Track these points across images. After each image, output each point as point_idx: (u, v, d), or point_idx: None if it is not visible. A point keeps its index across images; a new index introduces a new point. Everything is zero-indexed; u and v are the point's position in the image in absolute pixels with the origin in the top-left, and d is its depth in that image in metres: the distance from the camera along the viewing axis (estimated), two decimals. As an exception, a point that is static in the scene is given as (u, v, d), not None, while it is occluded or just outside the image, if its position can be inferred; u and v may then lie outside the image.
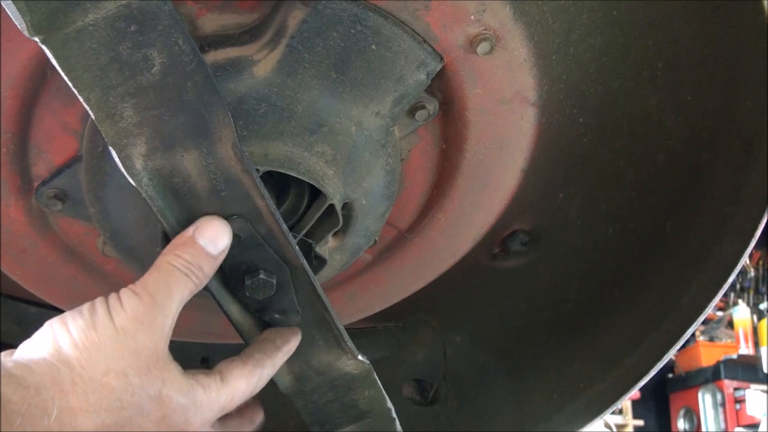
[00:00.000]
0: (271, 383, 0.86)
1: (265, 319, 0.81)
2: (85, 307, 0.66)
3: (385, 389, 0.92)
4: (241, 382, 0.74)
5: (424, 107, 0.90)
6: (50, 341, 0.63)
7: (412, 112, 0.90)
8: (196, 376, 0.70)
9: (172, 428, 0.67)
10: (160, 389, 0.65)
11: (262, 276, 0.76)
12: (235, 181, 0.70)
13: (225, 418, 0.78)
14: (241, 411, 0.82)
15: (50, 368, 0.60)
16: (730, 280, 0.92)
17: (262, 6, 0.80)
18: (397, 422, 0.94)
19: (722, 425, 6.19)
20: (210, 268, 0.72)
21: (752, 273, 6.58)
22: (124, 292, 0.67)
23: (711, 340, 6.83)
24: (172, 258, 0.70)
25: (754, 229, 0.89)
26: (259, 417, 0.85)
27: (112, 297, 0.67)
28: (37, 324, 0.66)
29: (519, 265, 1.15)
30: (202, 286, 0.72)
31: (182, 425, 0.68)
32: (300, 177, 0.80)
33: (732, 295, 6.61)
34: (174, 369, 0.68)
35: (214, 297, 0.78)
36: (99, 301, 0.66)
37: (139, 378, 0.64)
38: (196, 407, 0.69)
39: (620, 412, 6.00)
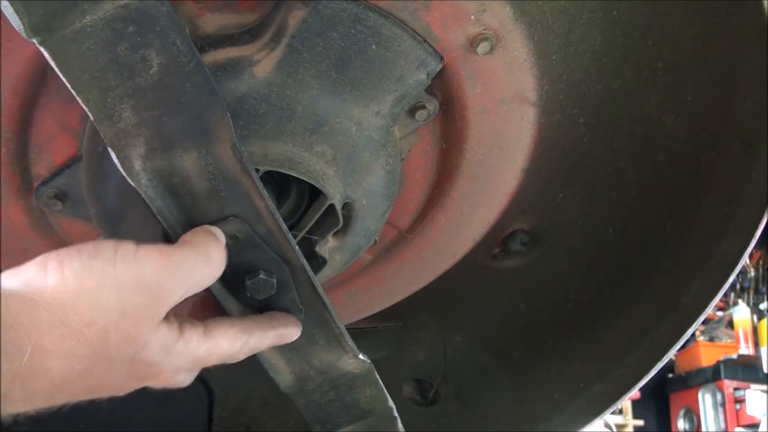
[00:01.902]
0: (272, 382, 0.86)
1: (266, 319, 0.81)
2: (87, 249, 0.61)
3: (385, 388, 0.92)
4: (224, 340, 0.70)
5: (424, 107, 0.90)
6: (39, 277, 0.59)
7: (412, 112, 0.90)
8: (182, 325, 0.67)
9: (140, 380, 0.65)
10: (137, 352, 0.62)
11: (262, 276, 0.76)
12: (235, 182, 0.70)
13: None
14: None
15: (30, 307, 0.57)
16: (730, 280, 0.92)
17: (263, 6, 0.80)
18: (399, 421, 0.94)
19: (722, 425, 6.18)
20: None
21: (752, 273, 6.58)
22: (145, 246, 0.64)
23: (711, 340, 6.82)
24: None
25: (754, 229, 0.89)
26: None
27: (126, 246, 0.63)
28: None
29: (519, 265, 1.15)
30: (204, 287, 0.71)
31: (152, 376, 0.66)
32: (300, 177, 0.80)
33: (732, 295, 6.61)
34: (162, 329, 0.64)
35: (215, 297, 0.78)
36: (104, 245, 0.62)
37: (119, 338, 0.60)
38: (171, 356, 0.66)
39: (620, 412, 6.00)
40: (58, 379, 0.58)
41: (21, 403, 0.58)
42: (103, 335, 0.60)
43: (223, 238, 0.71)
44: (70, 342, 0.58)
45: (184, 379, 0.71)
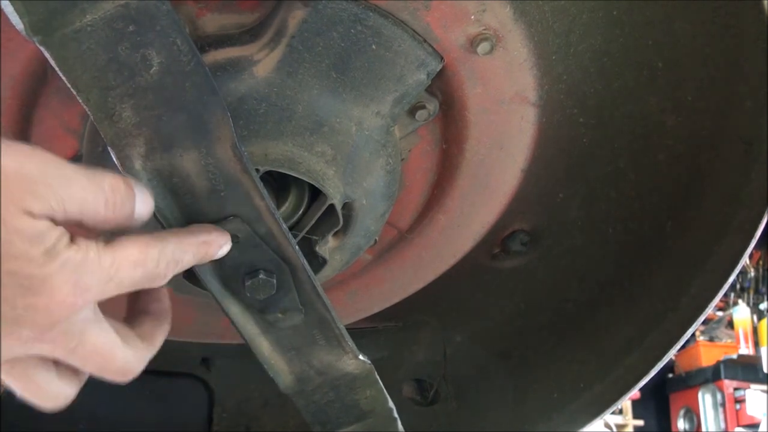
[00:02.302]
0: (272, 383, 0.86)
1: (267, 319, 0.81)
2: None
3: (385, 389, 0.92)
4: (132, 248, 0.60)
5: (424, 107, 0.90)
6: None
7: (412, 112, 0.90)
8: (75, 237, 0.57)
9: (22, 288, 0.54)
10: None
11: (261, 276, 0.75)
12: (235, 181, 0.70)
13: (132, 318, 0.68)
14: (148, 309, 0.70)
15: None
16: (730, 280, 0.92)
17: (263, 6, 0.80)
18: (399, 422, 0.94)
19: (722, 425, 6.19)
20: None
21: (752, 273, 6.58)
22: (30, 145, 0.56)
23: (711, 340, 6.83)
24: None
25: (754, 229, 0.89)
26: (168, 316, 0.72)
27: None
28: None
29: (519, 265, 1.15)
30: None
31: (37, 284, 0.54)
32: (300, 177, 0.80)
33: (732, 295, 6.61)
34: (34, 222, 0.54)
35: (215, 297, 0.78)
36: None
37: None
38: (63, 266, 0.55)
39: (620, 412, 6.00)
40: None
41: None
42: None
43: (141, 192, 0.63)
44: None
45: (93, 296, 0.58)
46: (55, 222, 0.56)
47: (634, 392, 1.02)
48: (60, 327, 0.57)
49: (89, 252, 0.57)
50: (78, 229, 0.58)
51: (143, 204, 0.63)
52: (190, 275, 0.79)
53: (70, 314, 0.57)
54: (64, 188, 0.56)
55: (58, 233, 0.55)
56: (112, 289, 0.59)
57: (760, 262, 6.54)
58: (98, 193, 0.59)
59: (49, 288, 0.55)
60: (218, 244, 0.71)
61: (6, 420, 1.13)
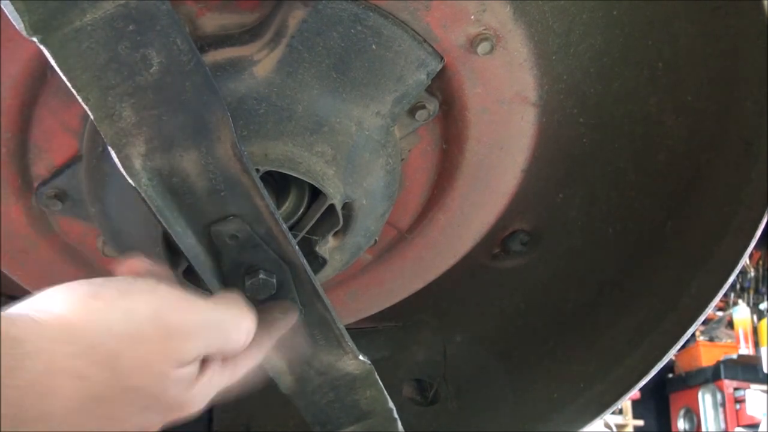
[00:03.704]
0: (273, 383, 0.86)
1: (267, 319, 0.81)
2: (100, 278, 0.60)
3: (385, 389, 0.91)
4: (247, 364, 0.70)
5: (424, 107, 0.90)
6: (46, 300, 0.56)
7: (412, 112, 0.90)
8: (204, 362, 0.64)
9: (165, 414, 0.62)
10: (157, 385, 0.60)
11: (261, 276, 0.75)
12: (235, 181, 0.70)
13: None
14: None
15: (36, 323, 0.54)
16: (730, 280, 0.92)
17: (263, 6, 0.80)
18: (399, 422, 0.94)
19: (722, 425, 6.18)
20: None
21: (752, 273, 6.57)
22: (168, 285, 0.63)
23: (711, 340, 6.82)
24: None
25: (754, 229, 0.89)
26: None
27: (147, 279, 0.62)
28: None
29: (519, 265, 1.15)
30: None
31: (177, 410, 0.63)
32: (300, 177, 0.80)
33: (732, 295, 6.60)
34: (184, 368, 0.61)
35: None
36: (122, 276, 0.63)
37: (132, 365, 0.57)
38: (195, 392, 0.63)
39: (620, 412, 5.99)
40: (73, 401, 0.54)
41: (35, 423, 0.54)
42: (114, 358, 0.56)
43: (254, 314, 0.69)
44: (79, 361, 0.55)
45: (206, 404, 0.68)
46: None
47: (634, 392, 1.02)
48: None
49: (214, 377, 0.65)
50: None
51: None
52: (190, 275, 0.79)
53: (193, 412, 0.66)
54: (207, 330, 0.63)
55: (196, 369, 0.63)
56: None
57: (760, 262, 6.53)
58: (239, 332, 0.67)
59: (183, 408, 0.64)
60: (292, 322, 0.78)
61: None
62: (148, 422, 0.62)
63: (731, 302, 6.64)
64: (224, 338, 0.65)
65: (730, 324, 6.69)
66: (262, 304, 0.78)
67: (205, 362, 0.64)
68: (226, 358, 0.67)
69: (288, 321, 0.77)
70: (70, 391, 0.54)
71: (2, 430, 0.50)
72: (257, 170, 0.74)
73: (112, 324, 0.57)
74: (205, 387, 0.64)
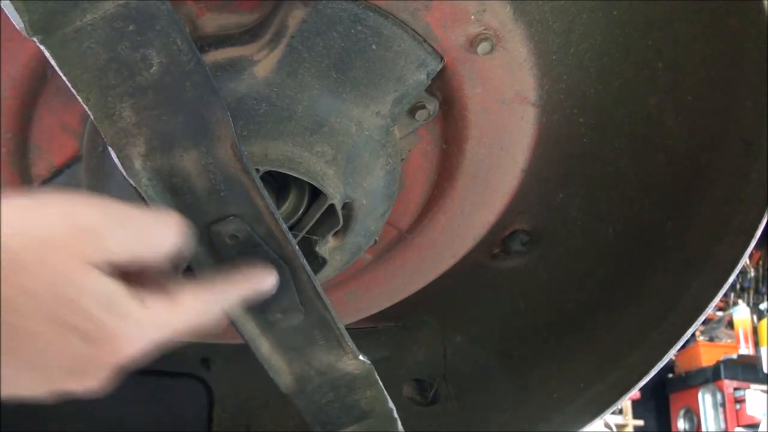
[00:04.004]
0: (272, 383, 0.86)
1: (267, 319, 0.81)
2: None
3: (385, 389, 0.91)
4: (195, 304, 0.63)
5: (424, 107, 0.90)
6: None
7: (412, 112, 0.90)
8: (143, 295, 0.58)
9: (81, 335, 0.54)
10: (64, 290, 0.53)
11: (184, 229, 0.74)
12: (235, 181, 0.70)
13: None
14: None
15: None
16: (730, 280, 0.92)
17: (262, 6, 0.80)
18: (399, 422, 0.94)
19: (722, 425, 6.18)
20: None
21: (752, 273, 6.57)
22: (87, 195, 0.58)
23: (711, 340, 6.82)
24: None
25: (754, 229, 0.89)
26: None
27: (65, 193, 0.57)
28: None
29: (519, 265, 1.15)
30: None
31: (102, 338, 0.55)
32: (300, 177, 0.80)
33: (732, 295, 6.60)
34: (100, 278, 0.55)
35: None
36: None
37: (37, 265, 0.52)
38: (131, 324, 0.56)
39: (620, 412, 5.99)
40: None
41: None
42: (16, 255, 0.51)
43: (182, 225, 0.63)
44: None
45: (147, 349, 0.60)
46: (115, 271, 0.56)
47: (634, 392, 1.02)
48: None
49: (151, 309, 0.58)
50: (137, 278, 0.59)
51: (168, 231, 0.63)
52: (190, 275, 0.79)
53: (128, 365, 0.58)
54: (127, 233, 0.58)
55: (120, 289, 0.56)
56: (170, 337, 0.61)
57: (760, 262, 6.53)
58: (165, 235, 0.61)
59: (108, 342, 0.55)
60: (268, 284, 0.73)
61: (6, 420, 1.13)
62: (70, 345, 0.54)
63: (731, 302, 6.64)
64: (139, 239, 0.59)
65: (730, 324, 6.69)
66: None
67: (135, 284, 0.58)
68: (162, 286, 0.60)
69: (261, 280, 0.72)
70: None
71: None
72: (257, 170, 0.74)
73: (16, 220, 0.53)
74: (137, 312, 0.57)
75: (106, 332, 0.55)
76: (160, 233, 0.61)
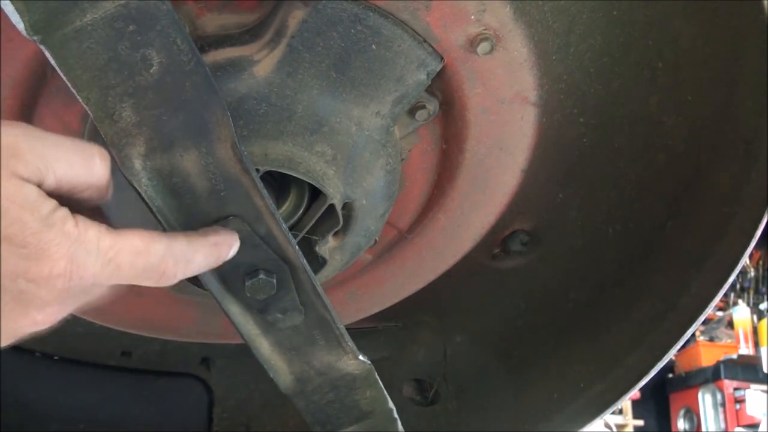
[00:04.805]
0: (273, 383, 0.86)
1: (267, 319, 0.81)
2: None
3: (385, 389, 0.91)
4: (135, 239, 0.59)
5: (424, 107, 0.90)
6: None
7: (412, 112, 0.90)
8: (77, 216, 0.56)
9: (18, 248, 0.53)
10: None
11: (261, 276, 0.75)
12: (235, 181, 0.70)
13: None
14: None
15: None
16: (730, 280, 0.92)
17: (262, 6, 0.80)
18: (399, 422, 0.94)
19: (722, 425, 6.18)
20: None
21: (752, 273, 6.58)
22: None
23: (711, 340, 6.82)
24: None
25: (754, 229, 0.89)
26: None
27: None
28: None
29: (519, 265, 1.15)
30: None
31: (37, 252, 0.53)
32: (300, 177, 0.80)
33: (732, 295, 6.61)
34: (29, 188, 0.54)
35: (215, 297, 0.78)
36: None
37: None
38: (62, 237, 0.54)
39: (620, 412, 6.00)
40: None
41: None
42: None
43: (108, 161, 0.62)
44: None
45: (92, 273, 0.57)
46: (47, 191, 0.55)
47: (634, 392, 1.02)
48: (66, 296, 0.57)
49: (88, 230, 0.56)
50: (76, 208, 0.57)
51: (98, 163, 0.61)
52: (194, 281, 0.78)
53: (70, 287, 0.56)
54: (48, 151, 0.56)
55: (53, 204, 0.55)
56: (111, 274, 0.58)
57: (760, 262, 6.54)
58: (86, 162, 0.59)
59: (46, 257, 0.54)
60: (228, 245, 0.70)
61: (6, 420, 1.13)
62: (7, 260, 0.53)
63: (731, 302, 6.64)
64: (68, 163, 0.57)
65: (730, 324, 6.69)
66: (264, 305, 0.78)
67: (76, 217, 0.57)
68: (114, 227, 0.58)
69: (217, 239, 0.69)
70: None
71: None
72: (257, 170, 0.74)
73: None
74: (71, 226, 0.55)
75: (41, 241, 0.54)
76: (85, 159, 0.59)
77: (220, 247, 0.69)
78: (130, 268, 0.59)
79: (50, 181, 0.56)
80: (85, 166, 0.59)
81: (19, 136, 0.55)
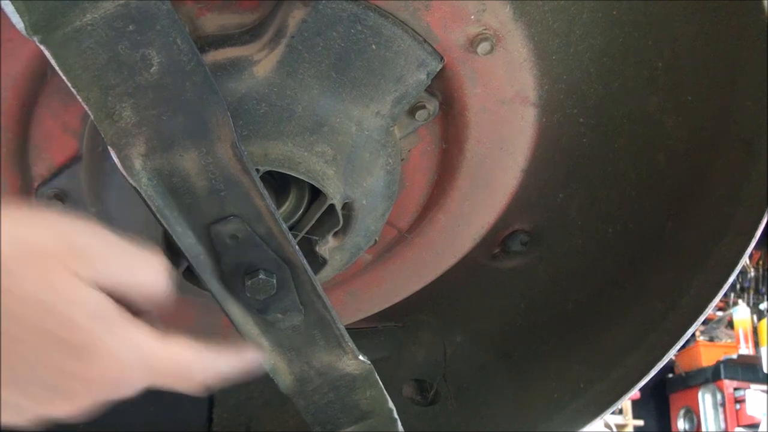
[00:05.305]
0: (272, 383, 0.86)
1: (267, 319, 0.81)
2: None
3: (385, 389, 0.91)
4: (188, 352, 0.62)
5: (424, 107, 0.90)
6: None
7: (412, 112, 0.90)
8: (135, 319, 0.59)
9: (69, 347, 0.54)
10: (52, 300, 0.53)
11: (261, 276, 0.75)
12: (235, 181, 0.70)
13: None
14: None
15: None
16: (730, 280, 0.92)
17: (262, 6, 0.80)
18: (399, 423, 0.94)
19: (722, 425, 6.18)
20: None
21: (752, 273, 6.57)
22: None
23: (711, 340, 6.82)
24: None
25: (754, 229, 0.89)
26: None
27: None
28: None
29: (519, 265, 1.15)
30: None
31: (87, 348, 0.54)
32: (300, 177, 0.80)
33: (732, 295, 6.60)
34: (92, 293, 0.55)
35: (215, 297, 0.78)
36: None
37: (21, 270, 0.52)
38: (115, 336, 0.56)
39: (620, 412, 5.99)
40: None
41: None
42: (6, 261, 0.51)
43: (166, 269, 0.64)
44: None
45: (131, 377, 0.59)
46: (103, 290, 0.57)
47: (634, 392, 1.02)
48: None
49: (138, 335, 0.58)
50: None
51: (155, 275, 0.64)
52: (190, 275, 0.79)
53: (106, 386, 0.57)
54: (114, 261, 0.59)
55: (107, 304, 0.57)
56: (149, 379, 0.60)
57: (760, 262, 6.53)
58: (149, 272, 0.62)
59: (92, 357, 0.55)
60: (254, 361, 0.72)
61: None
62: (53, 356, 0.54)
63: (731, 302, 6.64)
64: (129, 268, 0.60)
65: (730, 324, 6.69)
66: (264, 305, 0.78)
67: (135, 320, 0.59)
68: (168, 334, 0.60)
69: (250, 360, 0.71)
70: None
71: None
72: (257, 170, 0.74)
73: (10, 232, 0.53)
74: (123, 327, 0.57)
75: (90, 342, 0.55)
76: (146, 267, 0.62)
77: (248, 364, 0.71)
78: (167, 375, 0.61)
79: (107, 286, 0.57)
80: (146, 279, 0.62)
81: (88, 239, 0.57)
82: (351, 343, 0.85)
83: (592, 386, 1.06)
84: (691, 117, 0.94)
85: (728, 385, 6.22)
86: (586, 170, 1.03)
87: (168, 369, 0.61)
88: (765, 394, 6.09)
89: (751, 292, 6.62)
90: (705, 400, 6.36)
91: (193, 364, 0.63)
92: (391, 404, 0.92)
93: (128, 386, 0.60)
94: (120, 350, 0.57)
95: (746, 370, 6.28)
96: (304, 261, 0.77)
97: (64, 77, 0.63)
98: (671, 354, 0.98)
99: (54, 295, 0.53)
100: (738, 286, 6.57)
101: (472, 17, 0.80)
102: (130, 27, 0.62)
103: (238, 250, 0.74)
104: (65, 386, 0.55)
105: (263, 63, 0.79)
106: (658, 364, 0.99)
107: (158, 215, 0.71)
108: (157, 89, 0.65)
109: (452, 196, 1.01)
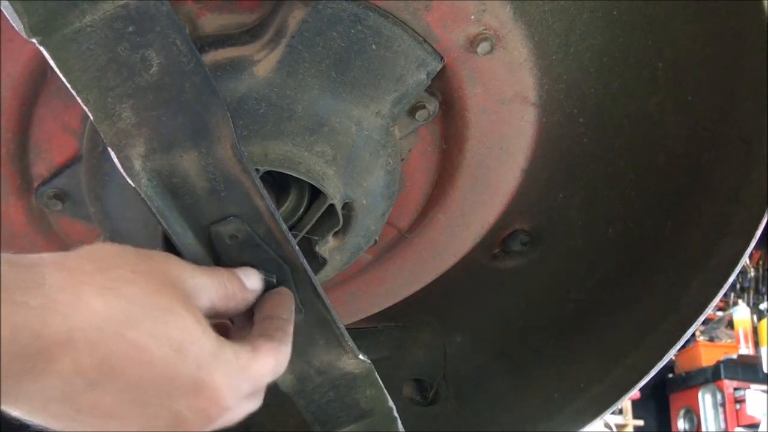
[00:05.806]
0: (273, 382, 0.86)
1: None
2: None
3: (385, 389, 0.91)
4: (270, 359, 0.62)
5: (424, 107, 0.90)
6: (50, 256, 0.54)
7: (412, 112, 0.90)
8: (234, 346, 0.60)
9: (206, 415, 0.56)
10: (178, 352, 0.54)
11: (261, 276, 0.75)
12: (235, 182, 0.70)
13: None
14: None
15: (51, 256, 0.53)
16: (730, 280, 0.92)
17: (262, 6, 0.80)
18: (399, 422, 0.94)
19: (722, 425, 6.18)
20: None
21: (752, 273, 6.57)
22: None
23: (711, 340, 6.82)
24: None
25: (754, 229, 0.89)
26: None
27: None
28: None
29: (519, 265, 1.15)
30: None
31: (200, 387, 0.55)
32: (300, 177, 0.80)
33: (732, 295, 6.60)
34: (208, 335, 0.57)
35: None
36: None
37: (144, 314, 0.53)
38: (234, 379, 0.57)
39: (620, 412, 5.99)
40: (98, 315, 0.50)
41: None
42: (121, 312, 0.52)
43: (245, 273, 0.69)
44: (99, 277, 0.52)
45: (250, 407, 0.63)
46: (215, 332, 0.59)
47: (634, 392, 1.02)
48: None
49: (245, 359, 0.60)
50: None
51: (251, 281, 0.70)
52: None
53: (224, 416, 0.58)
54: (209, 283, 0.63)
55: (215, 336, 0.58)
56: (254, 396, 0.63)
57: (760, 262, 6.53)
58: (241, 287, 0.68)
59: (216, 394, 0.56)
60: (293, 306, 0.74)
61: (6, 420, 1.13)
62: (175, 399, 0.54)
63: (731, 302, 6.64)
64: (225, 289, 0.65)
65: (730, 324, 6.69)
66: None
67: (234, 349, 0.60)
68: (253, 347, 0.62)
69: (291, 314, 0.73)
70: (98, 305, 0.51)
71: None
72: (257, 170, 0.74)
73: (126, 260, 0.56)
74: (233, 361, 0.58)
75: (210, 381, 0.56)
76: (238, 286, 0.68)
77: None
78: (264, 385, 0.64)
79: (207, 313, 0.61)
80: (239, 291, 0.68)
81: (180, 269, 0.60)
82: (351, 342, 0.85)
83: (592, 386, 1.06)
84: (691, 117, 0.94)
85: (728, 385, 6.22)
86: (586, 170, 1.03)
87: (266, 379, 0.63)
88: (765, 394, 6.09)
89: (751, 292, 6.62)
90: (705, 400, 6.36)
91: (278, 358, 0.64)
92: (391, 403, 0.92)
93: (240, 408, 0.61)
94: (232, 382, 0.58)
95: (746, 370, 6.28)
96: (304, 261, 0.77)
97: (63, 78, 0.63)
98: (671, 354, 0.98)
99: (175, 333, 0.55)
100: (738, 286, 6.57)
101: (472, 17, 0.80)
102: (130, 28, 0.62)
103: (238, 250, 0.74)
104: (183, 424, 0.56)
105: (263, 63, 0.79)
106: (658, 364, 0.99)
107: (158, 216, 0.71)
108: (156, 90, 0.65)
109: (452, 196, 1.01)
